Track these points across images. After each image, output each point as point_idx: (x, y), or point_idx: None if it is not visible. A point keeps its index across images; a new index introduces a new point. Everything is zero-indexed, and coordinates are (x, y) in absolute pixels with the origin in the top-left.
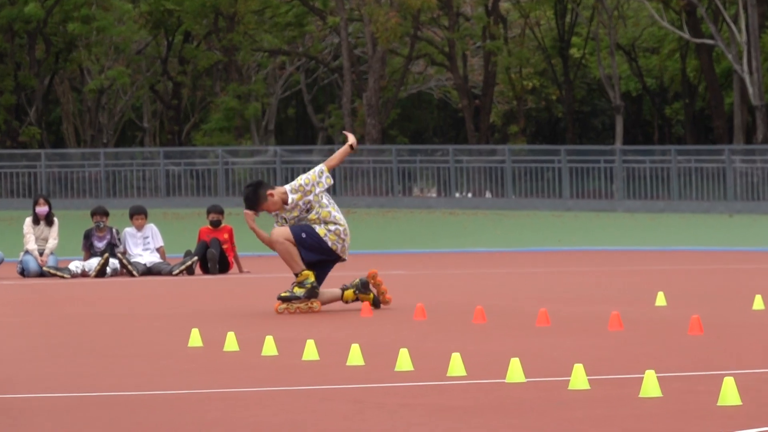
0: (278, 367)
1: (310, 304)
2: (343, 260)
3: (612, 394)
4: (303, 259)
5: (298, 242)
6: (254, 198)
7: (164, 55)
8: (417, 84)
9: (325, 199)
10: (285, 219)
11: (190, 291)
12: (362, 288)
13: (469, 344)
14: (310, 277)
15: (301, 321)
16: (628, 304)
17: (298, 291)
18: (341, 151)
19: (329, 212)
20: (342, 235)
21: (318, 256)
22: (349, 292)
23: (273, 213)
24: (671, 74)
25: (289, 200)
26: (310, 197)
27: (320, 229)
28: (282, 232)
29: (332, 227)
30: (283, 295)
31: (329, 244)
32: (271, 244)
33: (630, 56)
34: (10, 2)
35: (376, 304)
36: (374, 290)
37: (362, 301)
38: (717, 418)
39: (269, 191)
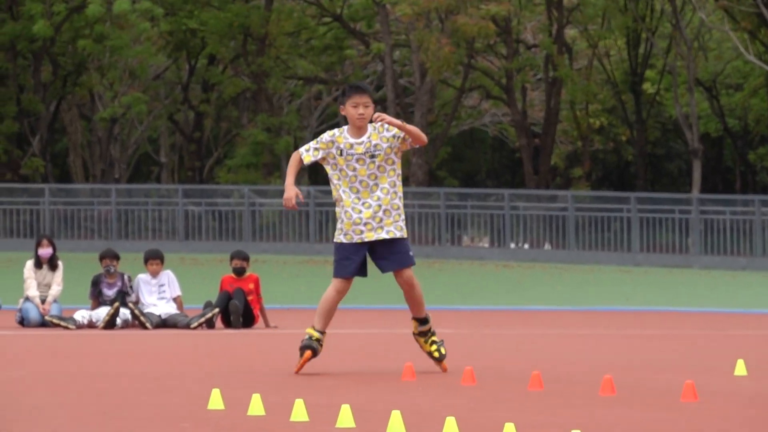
0: None
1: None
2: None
3: None
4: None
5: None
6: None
7: (185, 81)
8: (470, 119)
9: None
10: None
11: (210, 347)
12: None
13: (524, 414)
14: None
15: (335, 384)
16: (704, 373)
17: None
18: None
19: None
20: None
21: None
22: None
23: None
24: (756, 114)
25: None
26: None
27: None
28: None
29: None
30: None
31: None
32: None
33: (711, 93)
34: (12, 17)
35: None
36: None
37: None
38: None
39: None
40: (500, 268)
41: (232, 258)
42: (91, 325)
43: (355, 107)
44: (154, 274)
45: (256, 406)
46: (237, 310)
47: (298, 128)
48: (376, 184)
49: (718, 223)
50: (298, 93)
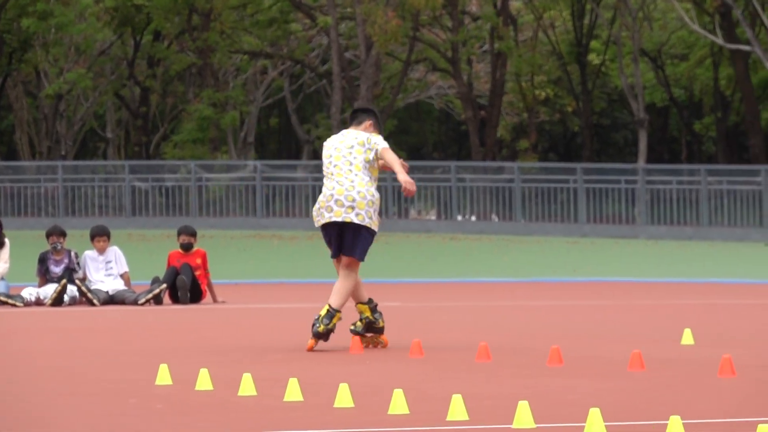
0: (257, 409)
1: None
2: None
3: None
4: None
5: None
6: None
7: (131, 57)
8: (416, 92)
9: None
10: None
11: (157, 322)
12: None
13: (472, 385)
14: (365, 311)
15: (283, 358)
16: (651, 343)
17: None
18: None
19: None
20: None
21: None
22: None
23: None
24: (702, 84)
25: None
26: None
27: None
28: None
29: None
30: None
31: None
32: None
33: (656, 63)
34: None
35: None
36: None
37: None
38: None
39: (371, 122)
40: (447, 240)
41: (179, 233)
42: (38, 302)
43: None
44: (101, 251)
45: (203, 381)
46: (184, 286)
47: (244, 103)
48: None
49: (664, 193)
50: (243, 68)
